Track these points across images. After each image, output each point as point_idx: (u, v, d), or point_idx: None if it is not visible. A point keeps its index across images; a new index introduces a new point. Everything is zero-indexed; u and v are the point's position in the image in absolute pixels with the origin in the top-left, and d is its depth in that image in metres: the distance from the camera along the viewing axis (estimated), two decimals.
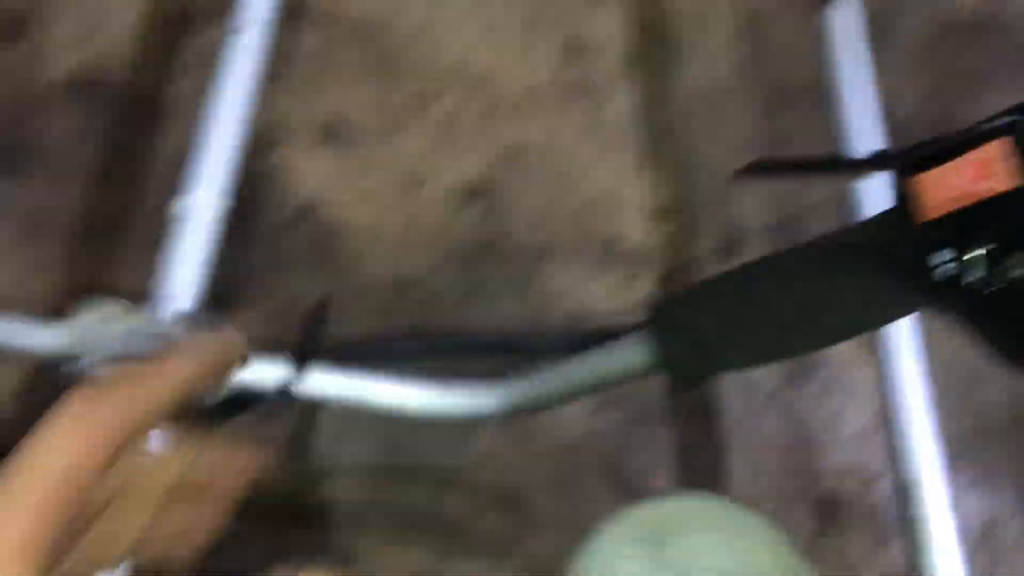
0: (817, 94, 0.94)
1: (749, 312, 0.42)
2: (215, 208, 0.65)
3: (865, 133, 0.80)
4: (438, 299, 0.84)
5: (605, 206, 0.90)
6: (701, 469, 0.81)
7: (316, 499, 0.76)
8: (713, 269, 0.89)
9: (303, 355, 0.56)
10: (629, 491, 0.78)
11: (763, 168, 0.55)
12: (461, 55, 0.94)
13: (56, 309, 0.77)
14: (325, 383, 0.56)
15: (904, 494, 0.67)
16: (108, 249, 0.82)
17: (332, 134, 0.89)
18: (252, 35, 0.75)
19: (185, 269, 0.62)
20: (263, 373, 0.55)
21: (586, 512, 0.77)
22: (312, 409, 0.77)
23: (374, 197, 0.87)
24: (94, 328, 0.55)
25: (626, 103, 0.94)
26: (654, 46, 0.97)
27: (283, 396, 0.55)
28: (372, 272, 0.84)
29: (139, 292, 0.80)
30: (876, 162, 0.46)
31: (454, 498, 0.77)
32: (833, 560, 0.79)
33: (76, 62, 0.89)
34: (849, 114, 0.81)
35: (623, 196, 0.90)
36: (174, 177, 0.85)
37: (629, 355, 0.47)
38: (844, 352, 0.86)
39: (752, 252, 0.87)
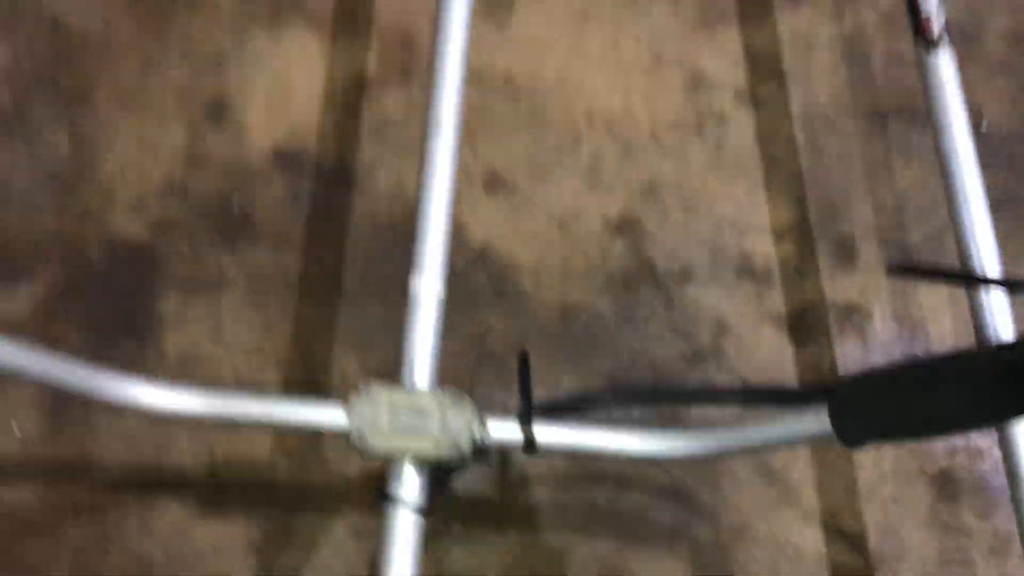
0: (914, 113, 1.07)
1: (907, 402, 0.58)
2: (440, 288, 0.81)
3: (959, 153, 0.93)
4: (600, 322, 1.00)
5: (734, 229, 1.05)
6: (833, 451, 0.97)
7: (516, 504, 0.94)
8: (831, 281, 1.04)
9: (527, 414, 0.73)
10: (772, 479, 0.95)
11: (911, 270, 0.69)
12: (597, 100, 1.09)
13: (291, 369, 0.96)
14: (549, 435, 0.73)
15: (1009, 465, 0.83)
16: (325, 306, 0.99)
17: (495, 183, 1.05)
18: (449, 111, 0.88)
19: (423, 345, 0.79)
20: (498, 431, 0.73)
21: (737, 502, 0.95)
22: None
23: (536, 237, 1.04)
24: (370, 408, 0.74)
25: (745, 132, 1.08)
26: (764, 74, 1.10)
27: (527, 450, 0.73)
28: (541, 302, 1.01)
29: (359, 343, 0.98)
30: (1008, 287, 0.61)
31: (629, 495, 0.95)
32: (950, 527, 0.95)
33: (275, 135, 1.06)
34: (945, 138, 0.94)
35: (749, 219, 1.05)
36: (372, 238, 1.02)
37: (809, 423, 0.63)
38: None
39: (865, 264, 1.02)
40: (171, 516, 0.93)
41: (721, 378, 0.98)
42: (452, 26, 0.90)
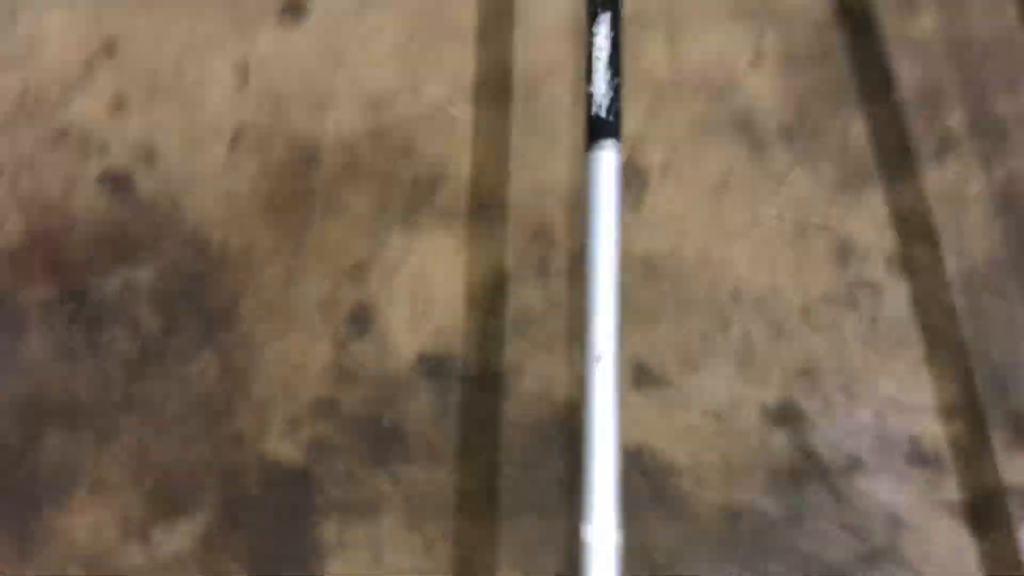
0: None
1: None
2: (616, 536, 0.80)
3: None
4: (766, 522, 0.98)
5: (899, 410, 1.01)
6: None
7: None
8: (1008, 461, 0.99)
9: None
10: None
11: None
12: (743, 277, 1.07)
13: None
14: None
15: None
16: (483, 522, 1.00)
17: (643, 376, 1.04)
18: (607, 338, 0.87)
19: None
20: None
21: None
22: None
23: (691, 433, 1.02)
24: None
25: (900, 302, 1.04)
26: (915, 236, 1.07)
27: None
28: (703, 504, 0.99)
29: (521, 559, 0.97)
30: None
31: None
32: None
33: (419, 341, 1.07)
34: None
35: (913, 398, 1.01)
36: (524, 445, 1.02)
37: None
38: None
39: None
40: None
41: None
42: (602, 217, 0.89)
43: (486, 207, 1.11)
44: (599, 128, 0.91)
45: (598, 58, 0.91)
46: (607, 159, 0.90)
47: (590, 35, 0.93)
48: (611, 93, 0.91)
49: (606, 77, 0.91)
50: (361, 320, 1.08)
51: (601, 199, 0.90)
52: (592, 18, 0.93)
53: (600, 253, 0.89)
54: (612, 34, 0.93)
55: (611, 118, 0.90)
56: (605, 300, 0.88)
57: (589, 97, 0.90)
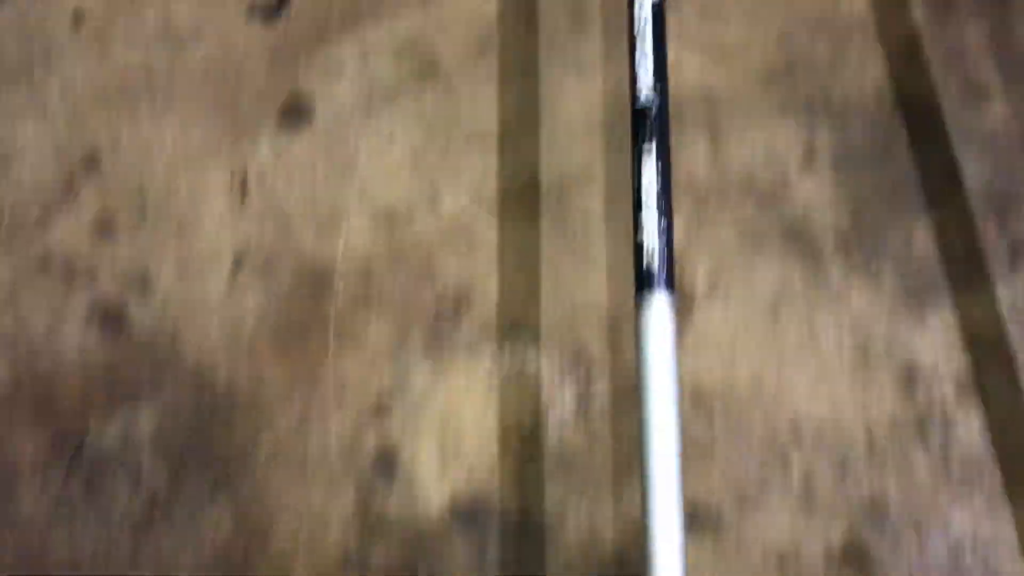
0: None
1: None
2: None
3: None
4: None
5: (975, 550, 1.04)
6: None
7: None
8: None
9: None
10: None
11: None
12: (801, 406, 1.09)
13: None
14: None
15: None
16: None
17: (698, 518, 1.06)
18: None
19: None
20: None
21: None
22: None
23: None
24: None
25: (974, 431, 1.07)
26: (988, 358, 1.09)
27: None
28: None
29: None
30: None
31: None
32: None
33: (450, 486, 1.09)
34: None
35: (991, 535, 1.04)
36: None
37: None
38: None
39: None
40: None
41: None
42: (655, 372, 0.92)
43: (517, 333, 1.13)
44: (650, 280, 0.92)
45: (647, 205, 0.92)
46: (659, 311, 0.92)
47: (636, 172, 0.94)
48: (662, 242, 0.92)
49: (656, 225, 0.92)
50: (386, 464, 1.10)
51: (653, 353, 0.92)
52: (637, 159, 0.94)
53: (655, 409, 0.91)
54: (660, 168, 0.95)
55: (663, 271, 0.91)
56: (664, 436, 0.90)
57: (638, 249, 0.92)
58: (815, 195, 1.14)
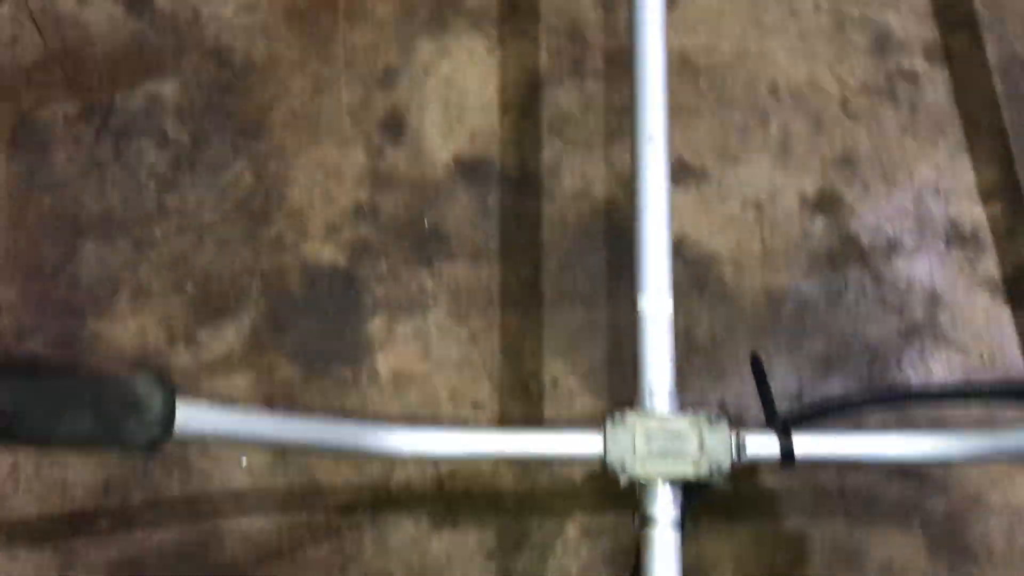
0: None
1: None
2: (669, 305, 0.93)
3: None
4: (808, 306, 1.12)
5: (938, 195, 1.14)
6: None
7: (744, 494, 1.07)
8: None
9: (785, 427, 0.84)
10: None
11: None
12: (781, 72, 1.19)
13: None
14: (807, 446, 0.85)
15: None
16: (527, 314, 1.13)
17: (683, 171, 1.16)
18: (657, 117, 0.99)
19: (659, 365, 0.91)
20: (755, 447, 0.85)
21: (968, 474, 1.06)
22: None
23: (732, 223, 1.15)
24: (627, 436, 0.86)
25: (940, 90, 1.17)
26: (955, 25, 1.19)
27: (785, 463, 0.84)
28: (745, 290, 1.13)
29: (566, 349, 1.11)
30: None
31: (855, 475, 1.07)
32: None
33: (454, 145, 1.19)
34: None
35: (952, 182, 1.15)
36: (565, 242, 1.14)
37: None
38: None
39: None
40: (405, 531, 1.08)
41: (939, 353, 1.09)
42: (648, 13, 1.01)
43: (516, 7, 1.22)
44: None
45: None
46: None
47: None
48: None
49: None
50: (394, 127, 1.20)
51: (645, 21, 1.01)
52: None
53: (647, 35, 1.00)
54: None
55: None
56: (654, 85, 0.99)
57: None
58: None
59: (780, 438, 0.85)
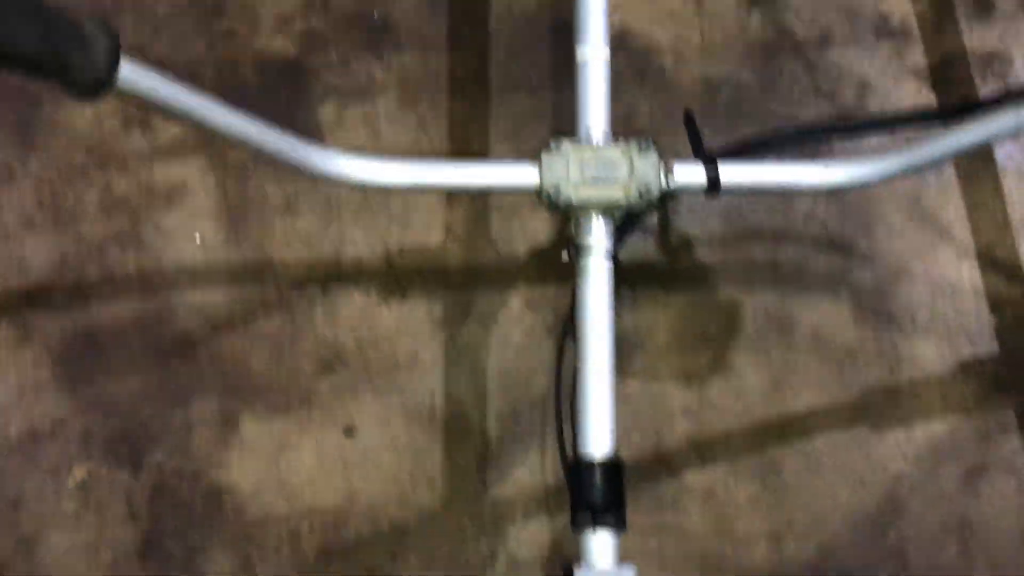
0: None
1: None
2: (606, 52, 0.98)
3: None
4: (744, 92, 1.18)
5: None
6: (984, 189, 1.14)
7: (680, 266, 1.13)
8: (970, 32, 1.19)
9: (710, 156, 0.90)
10: (926, 220, 1.13)
11: None
12: None
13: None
14: (732, 175, 0.90)
15: None
16: (475, 101, 1.18)
17: None
18: None
19: (596, 102, 0.97)
20: (683, 175, 0.90)
21: (893, 246, 1.13)
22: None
23: (672, 16, 1.20)
24: (562, 164, 0.90)
25: None
26: None
27: (711, 190, 0.89)
28: (684, 79, 1.18)
29: (512, 133, 1.16)
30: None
31: (787, 249, 1.13)
32: None
33: None
34: None
35: None
36: (512, 33, 1.19)
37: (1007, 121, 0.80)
38: None
39: (1003, 12, 1.16)
40: (355, 304, 1.14)
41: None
42: None
43: None
44: None
45: None
46: None
47: None
48: None
49: None
50: None
51: None
52: None
53: None
54: None
55: None
56: None
57: None
58: None
59: (707, 167, 0.90)
